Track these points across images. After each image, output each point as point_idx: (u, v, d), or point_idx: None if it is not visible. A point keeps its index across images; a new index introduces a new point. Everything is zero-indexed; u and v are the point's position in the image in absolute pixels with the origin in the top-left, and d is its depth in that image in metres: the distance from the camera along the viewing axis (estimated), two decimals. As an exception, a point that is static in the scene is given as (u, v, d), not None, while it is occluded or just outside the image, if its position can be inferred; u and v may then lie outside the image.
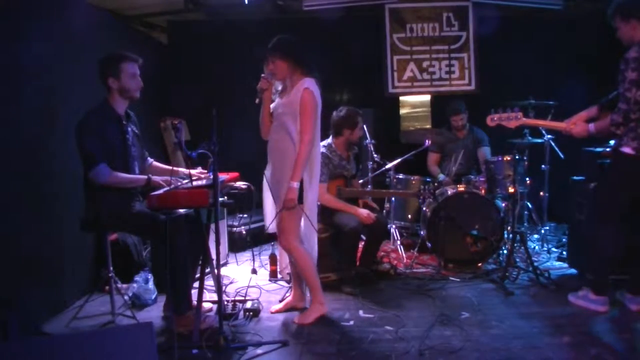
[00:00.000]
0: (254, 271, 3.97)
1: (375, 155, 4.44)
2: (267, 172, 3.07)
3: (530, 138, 4.03)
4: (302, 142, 2.83)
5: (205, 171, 3.03)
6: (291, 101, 2.87)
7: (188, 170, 3.05)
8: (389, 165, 4.34)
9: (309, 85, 2.86)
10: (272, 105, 3.02)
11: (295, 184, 2.83)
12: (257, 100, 2.96)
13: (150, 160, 3.24)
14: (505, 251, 4.10)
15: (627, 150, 2.90)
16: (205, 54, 5.48)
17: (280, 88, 3.02)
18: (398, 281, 3.81)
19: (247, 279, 3.70)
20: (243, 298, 3.32)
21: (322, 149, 3.73)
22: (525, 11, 5.34)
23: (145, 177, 2.89)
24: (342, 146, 3.78)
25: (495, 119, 3.44)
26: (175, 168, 3.14)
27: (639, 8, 2.87)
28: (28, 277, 2.90)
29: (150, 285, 3.45)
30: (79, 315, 3.04)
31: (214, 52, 5.47)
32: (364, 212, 3.62)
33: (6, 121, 2.79)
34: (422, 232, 4.29)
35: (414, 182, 4.39)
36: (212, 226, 2.66)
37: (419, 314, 3.14)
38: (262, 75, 2.95)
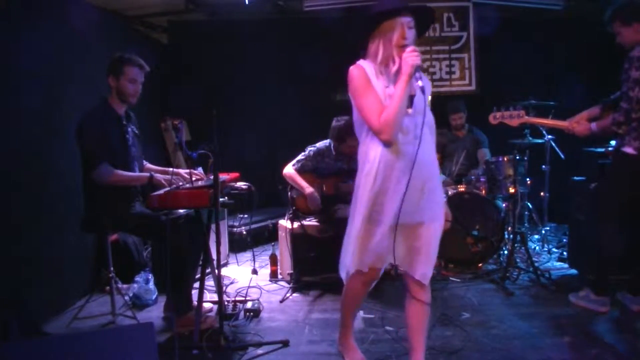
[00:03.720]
0: (255, 271, 3.97)
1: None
2: (401, 187, 2.17)
3: (530, 138, 4.03)
4: None
5: (199, 173, 3.01)
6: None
7: (188, 171, 3.04)
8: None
9: None
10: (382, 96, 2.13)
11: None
12: (419, 85, 2.04)
13: (144, 162, 3.24)
14: (505, 251, 4.10)
15: (628, 150, 2.89)
16: (205, 54, 5.46)
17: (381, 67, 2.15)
18: (399, 281, 3.79)
19: (248, 280, 3.70)
20: (243, 298, 3.32)
21: (322, 146, 3.73)
22: (525, 11, 5.33)
23: (148, 174, 2.89)
24: (339, 151, 3.73)
25: (498, 116, 3.44)
26: (173, 169, 3.12)
27: (639, 11, 2.87)
28: (28, 277, 2.90)
29: (151, 285, 3.45)
30: (80, 316, 3.03)
31: (214, 52, 5.46)
32: (309, 189, 3.66)
33: (6, 121, 2.79)
34: (422, 233, 4.27)
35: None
36: (213, 226, 2.66)
37: (420, 314, 3.13)
38: (414, 48, 2.05)
